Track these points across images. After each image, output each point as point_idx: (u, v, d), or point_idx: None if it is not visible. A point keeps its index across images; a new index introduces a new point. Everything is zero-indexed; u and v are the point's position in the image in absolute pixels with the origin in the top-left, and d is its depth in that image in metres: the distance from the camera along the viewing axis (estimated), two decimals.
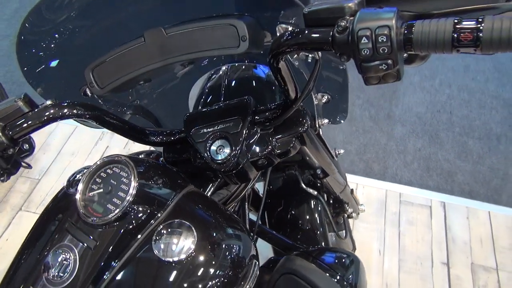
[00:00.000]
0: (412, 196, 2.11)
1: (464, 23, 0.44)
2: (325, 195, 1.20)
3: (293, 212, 1.16)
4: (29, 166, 0.70)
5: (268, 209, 1.18)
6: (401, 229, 1.98)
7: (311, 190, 1.07)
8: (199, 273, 0.61)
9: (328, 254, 0.89)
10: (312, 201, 1.15)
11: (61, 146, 2.27)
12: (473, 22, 0.43)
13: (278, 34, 0.73)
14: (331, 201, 1.27)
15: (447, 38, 0.44)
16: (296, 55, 0.79)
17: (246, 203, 0.97)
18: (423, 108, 2.65)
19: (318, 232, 1.14)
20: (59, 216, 0.66)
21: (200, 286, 0.61)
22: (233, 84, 0.90)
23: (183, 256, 0.60)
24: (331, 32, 0.50)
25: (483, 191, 2.20)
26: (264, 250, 1.05)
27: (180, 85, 0.96)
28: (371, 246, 1.91)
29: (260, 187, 1.08)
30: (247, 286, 0.67)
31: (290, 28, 0.71)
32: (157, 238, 0.62)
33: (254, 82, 0.92)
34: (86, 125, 0.89)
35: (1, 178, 0.64)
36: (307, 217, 1.14)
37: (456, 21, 0.44)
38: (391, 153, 2.39)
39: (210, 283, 0.61)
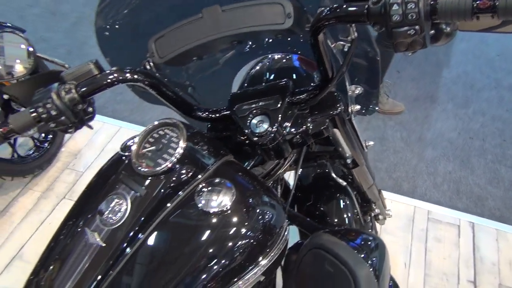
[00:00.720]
0: (441, 215, 2.11)
1: None
2: (355, 191, 1.25)
3: (322, 208, 1.20)
4: (90, 127, 0.80)
5: (298, 202, 1.24)
6: (428, 245, 1.98)
7: (340, 181, 1.13)
8: (233, 229, 0.68)
9: (355, 234, 0.92)
10: (341, 196, 1.19)
11: (105, 144, 2.42)
12: None
13: None
14: (359, 199, 1.32)
15: (468, 6, 0.53)
16: (334, 43, 0.88)
17: (279, 186, 1.04)
18: (455, 134, 2.67)
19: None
20: (114, 170, 0.75)
21: (231, 242, 0.68)
22: (274, 73, 1.00)
23: (221, 209, 0.68)
24: (366, 5, 0.59)
25: None
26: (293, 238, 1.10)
27: (225, 72, 1.06)
28: (397, 258, 1.92)
29: (291, 180, 1.14)
30: (273, 253, 0.72)
31: None
32: (200, 192, 0.70)
33: (294, 73, 1.01)
34: (140, 97, 0.99)
35: (70, 130, 0.73)
36: (336, 211, 1.18)
37: None
38: (421, 173, 2.40)
39: (240, 241, 0.68)
